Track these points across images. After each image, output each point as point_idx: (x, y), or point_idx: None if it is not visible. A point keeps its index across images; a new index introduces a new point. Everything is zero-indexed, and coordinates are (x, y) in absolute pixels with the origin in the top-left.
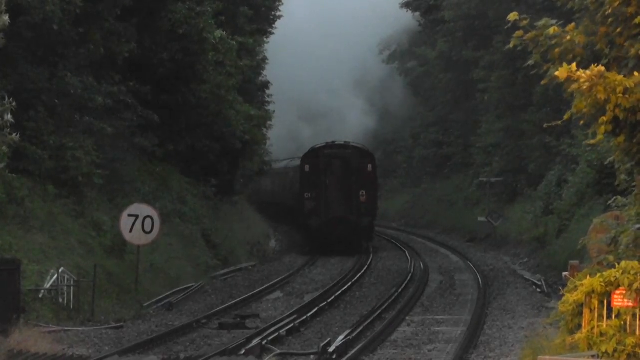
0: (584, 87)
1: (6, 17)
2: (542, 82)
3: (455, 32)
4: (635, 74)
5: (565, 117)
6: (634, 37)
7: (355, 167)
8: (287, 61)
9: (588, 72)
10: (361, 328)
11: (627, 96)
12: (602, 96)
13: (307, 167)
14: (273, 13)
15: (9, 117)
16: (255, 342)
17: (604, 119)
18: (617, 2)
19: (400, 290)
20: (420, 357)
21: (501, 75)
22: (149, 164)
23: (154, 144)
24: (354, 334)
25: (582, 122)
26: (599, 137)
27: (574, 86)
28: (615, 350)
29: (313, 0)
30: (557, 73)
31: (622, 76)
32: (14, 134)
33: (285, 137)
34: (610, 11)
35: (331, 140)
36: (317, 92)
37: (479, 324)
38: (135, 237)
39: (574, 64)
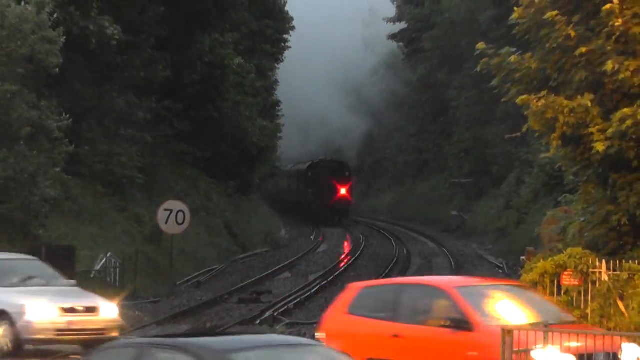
0: (538, 111)
1: (60, 60)
2: (503, 100)
3: (432, 59)
4: (578, 97)
5: (524, 129)
6: (577, 65)
7: (339, 173)
8: (297, 84)
9: (542, 99)
10: None
11: (572, 115)
12: (550, 115)
13: (310, 174)
14: (282, 44)
15: (68, 121)
16: (268, 313)
17: (555, 135)
18: (561, 37)
19: (387, 271)
20: None
21: (470, 95)
22: (181, 168)
23: (185, 151)
24: None
25: (537, 135)
26: (552, 150)
27: (530, 110)
28: None
29: (317, 34)
30: (518, 100)
31: (567, 100)
32: (71, 145)
33: (293, 146)
34: (555, 45)
35: (324, 157)
36: (321, 109)
37: None
38: (169, 227)
39: (532, 97)
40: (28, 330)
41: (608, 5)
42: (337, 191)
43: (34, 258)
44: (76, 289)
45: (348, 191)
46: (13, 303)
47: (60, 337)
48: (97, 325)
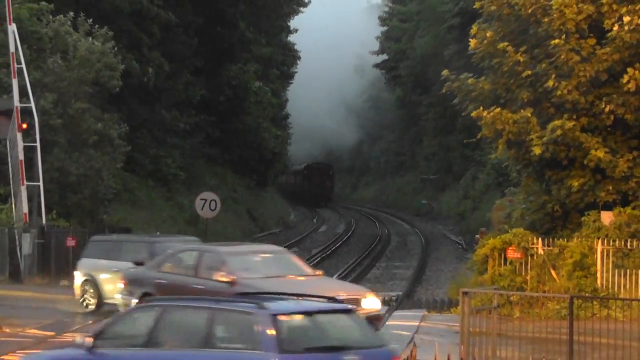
0: (488, 122)
1: (119, 82)
2: (463, 114)
3: (407, 83)
4: (521, 111)
5: (479, 136)
6: (522, 86)
7: (325, 172)
8: (303, 101)
9: (491, 113)
10: (348, 270)
11: (515, 125)
12: (499, 127)
13: (305, 172)
14: (292, 66)
15: (124, 127)
16: None
17: (501, 141)
18: (511, 62)
19: (372, 246)
20: (385, 288)
21: (436, 111)
22: (213, 167)
23: (217, 154)
24: (343, 275)
25: (489, 141)
26: (499, 152)
27: (483, 121)
28: (509, 285)
29: (318, 63)
30: (472, 114)
31: (511, 114)
32: (128, 147)
33: (300, 150)
34: (506, 69)
35: (316, 160)
36: (321, 120)
37: (422, 268)
38: (204, 213)
39: (481, 108)
40: None
41: (556, 40)
42: (324, 184)
43: None
44: None
45: (330, 184)
46: None
47: None
48: None
